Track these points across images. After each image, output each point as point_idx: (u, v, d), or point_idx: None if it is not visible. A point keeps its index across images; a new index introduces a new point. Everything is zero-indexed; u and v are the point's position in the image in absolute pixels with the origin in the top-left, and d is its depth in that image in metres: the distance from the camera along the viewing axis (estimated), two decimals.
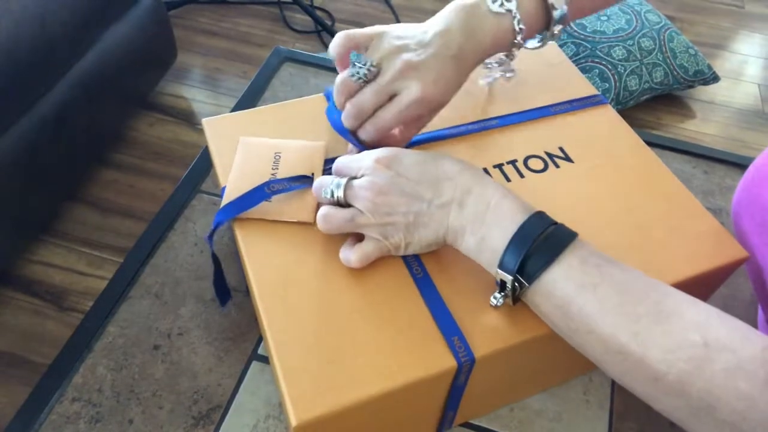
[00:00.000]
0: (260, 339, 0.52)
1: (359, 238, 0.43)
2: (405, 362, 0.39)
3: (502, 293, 0.39)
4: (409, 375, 0.38)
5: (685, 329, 0.34)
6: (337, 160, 0.45)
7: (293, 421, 0.36)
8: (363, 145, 0.48)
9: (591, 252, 0.38)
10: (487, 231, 0.39)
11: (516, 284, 0.38)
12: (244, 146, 0.50)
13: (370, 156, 0.42)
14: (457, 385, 0.41)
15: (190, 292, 0.55)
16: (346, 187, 0.42)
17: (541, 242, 0.37)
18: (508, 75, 0.57)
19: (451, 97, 0.47)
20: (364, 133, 0.47)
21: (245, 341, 0.52)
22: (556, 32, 0.49)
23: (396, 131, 0.49)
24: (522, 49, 0.49)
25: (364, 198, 0.41)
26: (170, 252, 0.57)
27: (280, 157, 0.49)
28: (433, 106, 0.46)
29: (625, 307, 0.35)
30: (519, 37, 0.46)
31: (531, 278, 0.37)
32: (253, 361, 0.51)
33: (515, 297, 0.39)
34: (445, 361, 0.39)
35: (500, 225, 0.38)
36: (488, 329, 0.40)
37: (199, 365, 0.50)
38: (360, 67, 0.45)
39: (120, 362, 0.50)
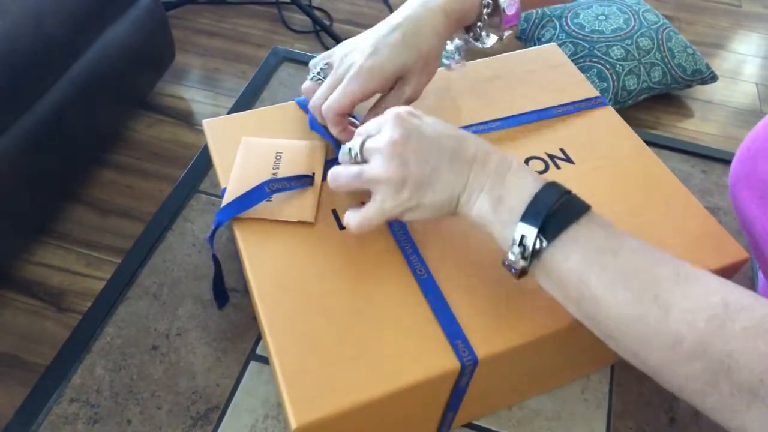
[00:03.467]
0: (258, 339, 0.52)
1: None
2: (406, 364, 0.38)
3: (520, 248, 0.37)
4: (410, 377, 0.38)
5: (705, 291, 0.33)
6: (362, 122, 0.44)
7: (293, 424, 0.36)
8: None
9: (608, 221, 0.37)
10: (506, 191, 0.38)
11: (537, 240, 0.36)
12: (246, 146, 0.50)
13: (391, 111, 0.41)
14: (459, 387, 0.41)
15: (188, 293, 0.55)
16: (364, 142, 0.41)
17: (562, 203, 0.37)
18: (455, 65, 0.56)
19: (407, 62, 0.46)
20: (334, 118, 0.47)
21: (243, 341, 0.52)
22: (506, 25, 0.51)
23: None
24: (520, 53, 0.50)
25: (380, 149, 0.39)
26: (168, 252, 0.57)
27: (281, 156, 0.49)
28: (383, 74, 0.46)
29: (645, 271, 0.35)
30: (486, 12, 0.49)
31: (552, 237, 0.36)
32: (252, 361, 0.51)
33: (533, 256, 0.37)
34: (447, 363, 0.38)
35: (520, 186, 0.38)
36: (492, 331, 0.40)
37: (198, 365, 0.50)
38: (317, 71, 0.50)
39: (118, 363, 0.50)
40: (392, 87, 0.48)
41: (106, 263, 1.30)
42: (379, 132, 0.40)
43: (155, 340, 0.52)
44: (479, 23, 0.51)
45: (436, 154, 0.39)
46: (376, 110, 0.48)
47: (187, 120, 1.61)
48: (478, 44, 0.53)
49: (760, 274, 0.57)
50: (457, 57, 0.55)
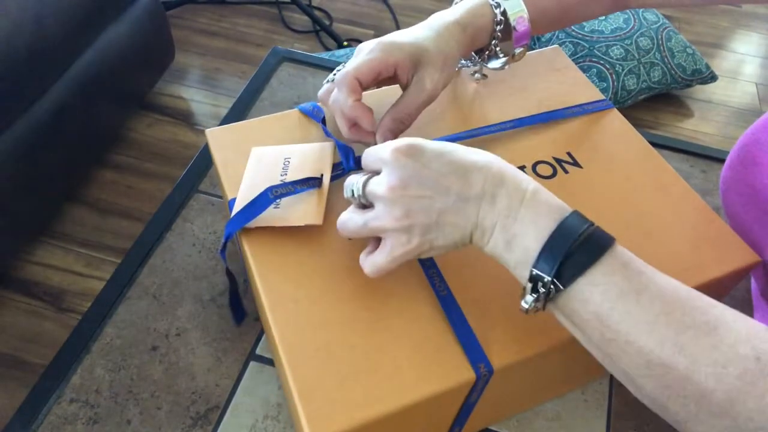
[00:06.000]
0: (258, 339, 0.52)
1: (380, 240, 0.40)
2: (422, 377, 0.38)
3: (534, 296, 0.35)
4: (426, 389, 0.37)
5: (735, 342, 0.31)
6: (364, 153, 0.42)
7: None
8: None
9: (631, 257, 0.35)
10: (520, 228, 0.35)
11: (551, 287, 0.34)
12: (255, 156, 0.49)
13: (389, 146, 0.38)
14: (470, 400, 0.40)
15: (188, 293, 0.55)
16: (365, 184, 0.39)
17: (579, 244, 0.34)
18: (476, 76, 0.58)
19: (427, 49, 0.47)
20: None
21: (243, 341, 0.52)
22: (516, 51, 0.53)
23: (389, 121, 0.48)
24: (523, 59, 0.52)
25: (381, 196, 0.37)
26: (168, 252, 0.57)
27: (289, 162, 0.48)
28: (400, 50, 0.46)
29: (670, 317, 0.32)
30: (498, 29, 0.51)
31: (568, 281, 0.33)
32: (252, 361, 0.51)
33: (546, 302, 0.35)
34: (462, 374, 0.38)
35: (535, 222, 0.35)
36: (506, 340, 0.39)
37: (198, 366, 0.50)
38: (332, 74, 0.50)
39: (118, 363, 0.50)
40: (408, 81, 0.48)
41: (106, 263, 1.30)
42: (379, 170, 0.38)
43: (155, 341, 0.52)
44: (493, 41, 0.52)
45: (441, 198, 0.36)
46: (398, 107, 0.47)
47: (187, 120, 1.61)
48: (492, 65, 0.55)
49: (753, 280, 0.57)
50: (478, 75, 0.58)
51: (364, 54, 0.46)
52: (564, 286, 0.34)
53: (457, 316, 0.40)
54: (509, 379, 0.41)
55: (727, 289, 0.50)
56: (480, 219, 0.36)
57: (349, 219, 0.39)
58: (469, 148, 0.38)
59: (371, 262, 0.39)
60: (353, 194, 0.39)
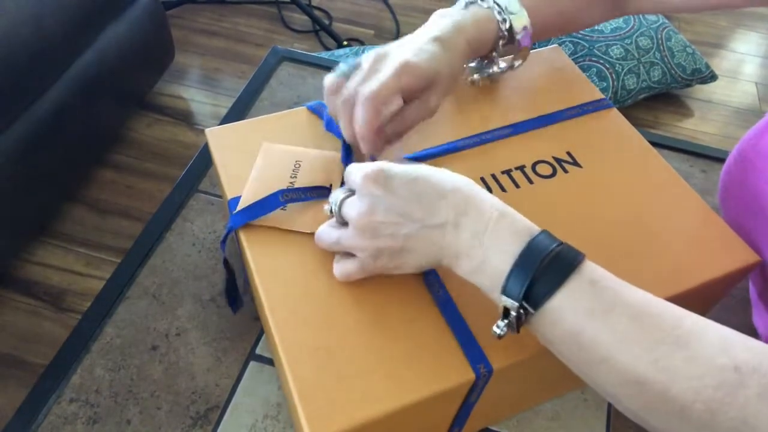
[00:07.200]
0: (258, 339, 0.52)
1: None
2: (422, 376, 0.38)
3: (506, 321, 0.35)
4: (427, 389, 0.37)
5: (711, 354, 0.31)
6: (346, 170, 0.43)
7: None
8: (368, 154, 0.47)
9: (601, 274, 0.35)
10: (485, 254, 0.36)
11: (521, 311, 0.34)
12: (266, 151, 0.49)
13: (360, 171, 0.39)
14: (469, 401, 0.40)
15: (187, 293, 0.55)
16: (341, 204, 0.41)
17: (546, 265, 0.34)
18: (477, 78, 0.57)
19: (441, 71, 0.46)
20: (362, 120, 0.44)
21: (243, 341, 0.52)
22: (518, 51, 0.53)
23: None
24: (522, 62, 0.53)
25: (350, 219, 0.39)
26: (168, 252, 0.57)
27: (299, 165, 0.48)
28: (420, 75, 0.45)
29: (642, 333, 0.32)
30: (504, 28, 0.51)
31: (537, 305, 0.34)
32: (251, 361, 0.51)
33: (519, 325, 0.35)
34: (462, 374, 0.38)
35: (501, 248, 0.35)
36: (506, 340, 0.39)
37: (197, 365, 0.50)
38: (344, 66, 0.47)
39: (118, 363, 0.50)
40: (415, 97, 0.47)
41: (106, 263, 1.30)
42: (352, 190, 0.40)
43: (155, 340, 0.52)
44: (494, 53, 0.53)
45: (407, 225, 0.38)
46: (401, 120, 0.47)
47: (187, 120, 1.61)
48: (491, 69, 0.55)
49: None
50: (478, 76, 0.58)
51: (386, 74, 0.44)
52: (534, 309, 0.34)
53: (456, 316, 0.40)
54: (509, 379, 0.41)
55: (727, 289, 0.50)
56: (446, 246, 0.38)
57: (326, 233, 0.42)
58: (439, 171, 0.39)
59: (343, 268, 0.41)
60: (332, 211, 0.41)
